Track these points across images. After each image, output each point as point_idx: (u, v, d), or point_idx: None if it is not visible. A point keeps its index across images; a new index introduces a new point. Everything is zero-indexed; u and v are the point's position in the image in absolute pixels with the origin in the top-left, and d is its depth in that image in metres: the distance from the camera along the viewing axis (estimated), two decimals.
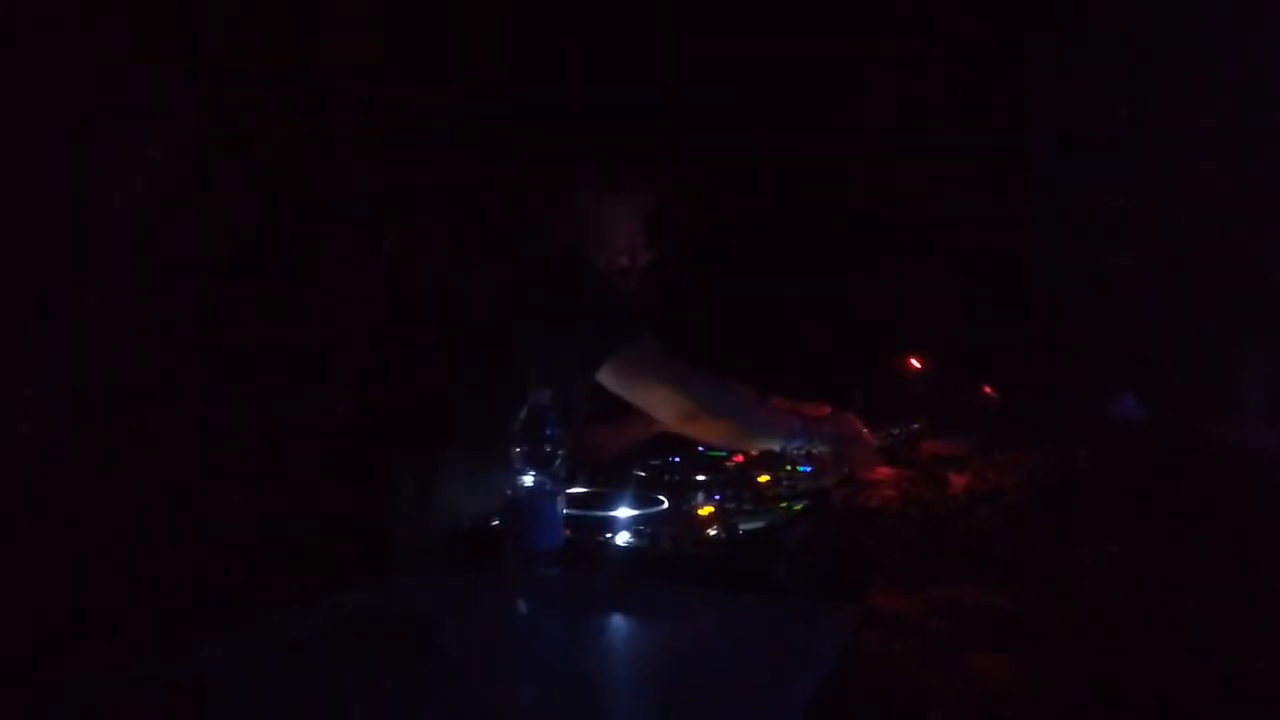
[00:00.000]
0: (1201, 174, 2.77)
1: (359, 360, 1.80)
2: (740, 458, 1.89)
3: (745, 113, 2.87)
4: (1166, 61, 2.77)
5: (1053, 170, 2.96)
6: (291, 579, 1.43)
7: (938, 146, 2.99)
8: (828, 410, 1.86)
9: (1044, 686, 1.04)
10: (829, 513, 1.47)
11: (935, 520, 1.46)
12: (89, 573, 1.54)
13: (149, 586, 1.55)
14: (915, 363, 2.65)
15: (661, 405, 1.72)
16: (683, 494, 1.55)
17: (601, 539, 1.33)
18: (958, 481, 1.69)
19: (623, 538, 1.34)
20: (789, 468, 1.74)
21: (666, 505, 1.48)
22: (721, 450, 1.92)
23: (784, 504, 1.47)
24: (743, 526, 1.36)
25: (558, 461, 1.21)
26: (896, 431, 2.12)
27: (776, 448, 1.77)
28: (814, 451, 1.76)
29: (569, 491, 1.28)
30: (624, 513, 1.43)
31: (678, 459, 1.89)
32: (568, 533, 1.24)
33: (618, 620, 1.15)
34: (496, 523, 1.29)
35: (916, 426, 2.21)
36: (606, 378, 1.68)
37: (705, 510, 1.46)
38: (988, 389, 2.53)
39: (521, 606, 1.19)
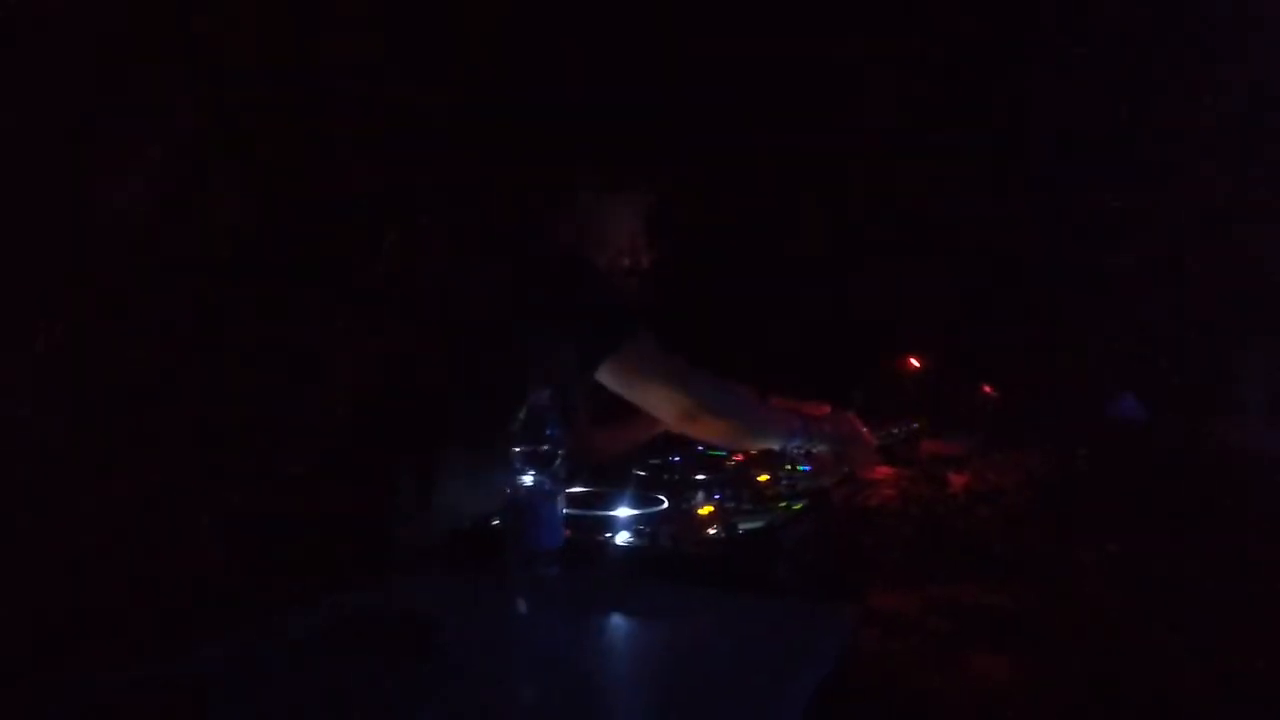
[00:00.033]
0: (1201, 174, 2.77)
1: (359, 360, 1.80)
2: (740, 457, 1.89)
3: (745, 113, 2.87)
4: (1166, 61, 2.77)
5: (1053, 170, 2.96)
6: (291, 579, 1.43)
7: (938, 146, 2.98)
8: (827, 410, 1.86)
9: (1044, 686, 1.04)
10: (828, 512, 1.47)
11: (934, 520, 1.47)
12: (89, 573, 1.54)
13: (149, 586, 1.55)
14: (915, 362, 2.65)
15: (661, 404, 1.72)
16: (682, 493, 1.55)
17: (601, 538, 1.33)
18: (957, 481, 1.69)
19: (622, 537, 1.34)
20: (788, 467, 1.74)
21: (666, 505, 1.48)
22: (721, 450, 1.92)
23: (783, 503, 1.47)
24: (742, 526, 1.36)
25: (557, 461, 1.21)
26: (896, 431, 2.12)
27: (776, 447, 1.77)
28: (814, 451, 1.76)
29: (569, 491, 1.28)
30: (624, 512, 1.43)
31: (677, 458, 1.89)
32: (568, 532, 1.24)
33: (618, 620, 1.15)
34: (496, 523, 1.29)
35: (916, 426, 2.21)
36: (606, 377, 1.68)
37: (705, 510, 1.46)
38: (987, 389, 2.53)
39: (521, 606, 1.19)
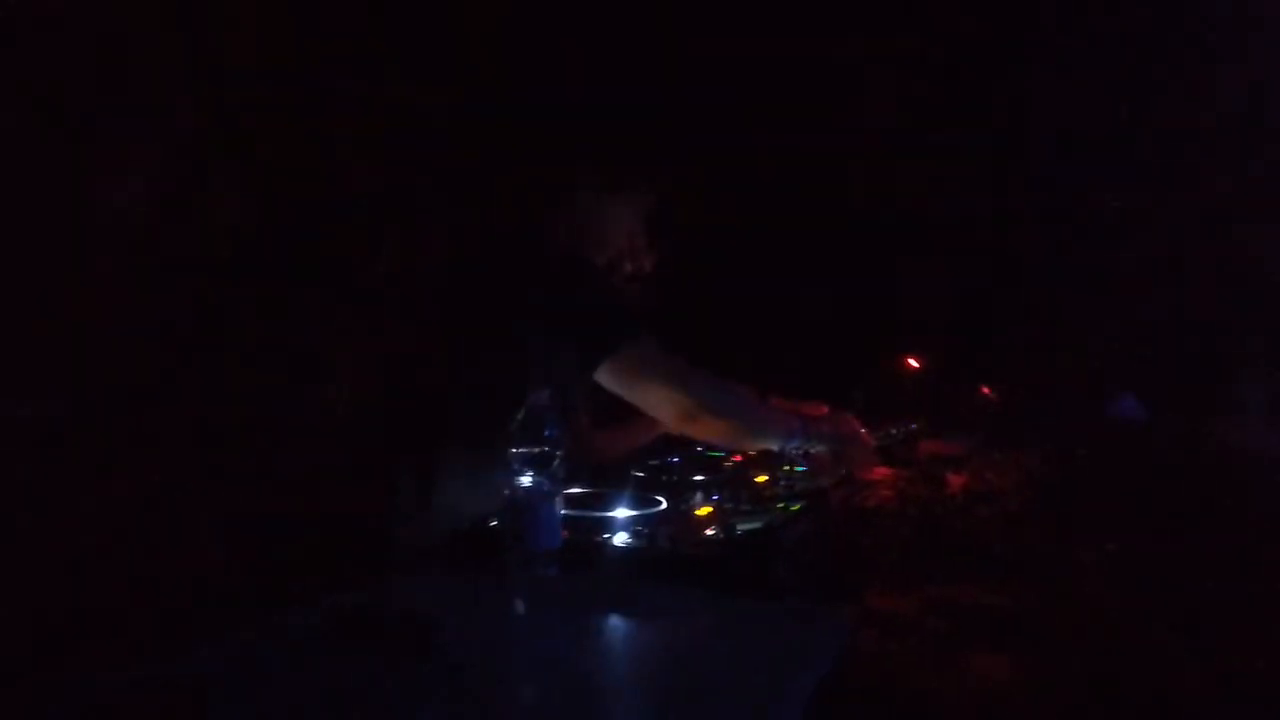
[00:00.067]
0: (1201, 174, 2.77)
1: (359, 360, 1.81)
2: (738, 457, 1.89)
3: (745, 113, 2.87)
4: (1166, 61, 2.77)
5: (1053, 170, 2.96)
6: (291, 579, 1.43)
7: (938, 146, 2.99)
8: (826, 410, 1.86)
9: (1043, 686, 1.04)
10: (827, 513, 1.47)
11: (933, 520, 1.46)
12: (89, 573, 1.54)
13: (149, 586, 1.55)
14: (914, 363, 2.65)
15: (661, 405, 1.72)
16: (681, 494, 1.55)
17: (600, 539, 1.33)
18: (956, 481, 1.69)
19: (621, 538, 1.34)
20: (787, 468, 1.74)
21: (664, 505, 1.48)
22: (720, 450, 1.92)
23: (782, 504, 1.47)
24: (740, 527, 1.36)
25: (556, 462, 1.21)
26: (895, 431, 2.12)
27: (776, 447, 1.77)
28: (812, 451, 1.76)
29: (567, 492, 1.29)
30: (622, 513, 1.43)
31: (676, 459, 1.89)
32: (566, 533, 1.24)
33: (617, 620, 1.15)
34: (496, 523, 1.29)
35: (915, 426, 2.21)
36: (606, 378, 1.68)
37: (703, 510, 1.46)
38: (986, 389, 2.54)
39: (521, 606, 1.19)
